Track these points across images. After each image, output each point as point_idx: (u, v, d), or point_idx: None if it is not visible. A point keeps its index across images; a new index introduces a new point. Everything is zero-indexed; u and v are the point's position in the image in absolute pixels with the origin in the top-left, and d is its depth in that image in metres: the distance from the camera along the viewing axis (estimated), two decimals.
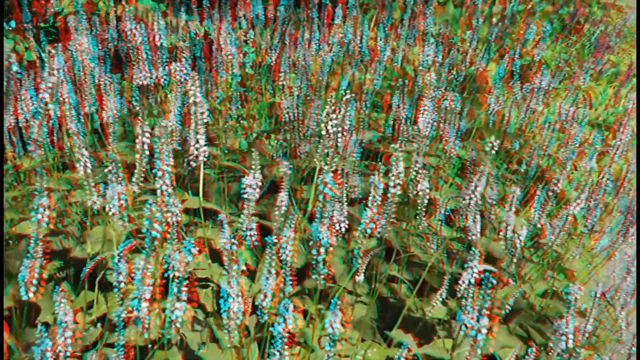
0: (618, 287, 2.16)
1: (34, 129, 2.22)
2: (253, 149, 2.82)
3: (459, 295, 1.33)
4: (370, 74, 2.91)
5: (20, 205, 2.49)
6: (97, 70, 2.16)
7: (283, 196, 1.80)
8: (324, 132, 1.60)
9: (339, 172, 1.59)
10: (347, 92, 1.51)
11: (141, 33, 1.95)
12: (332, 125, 1.57)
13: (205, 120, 1.70)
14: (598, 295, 1.84)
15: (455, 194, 2.10)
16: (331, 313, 1.19)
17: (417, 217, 2.66)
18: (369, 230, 1.56)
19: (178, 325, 1.31)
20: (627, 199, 2.55)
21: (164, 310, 2.00)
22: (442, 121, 2.42)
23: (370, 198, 1.51)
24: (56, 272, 2.28)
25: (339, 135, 1.58)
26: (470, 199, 1.79)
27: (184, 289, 1.26)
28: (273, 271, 1.33)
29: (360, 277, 2.03)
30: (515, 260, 2.02)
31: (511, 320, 2.30)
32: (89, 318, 1.96)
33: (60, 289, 1.62)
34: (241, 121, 2.99)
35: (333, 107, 1.53)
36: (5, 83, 2.34)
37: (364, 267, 2.01)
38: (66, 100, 2.00)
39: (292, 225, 1.42)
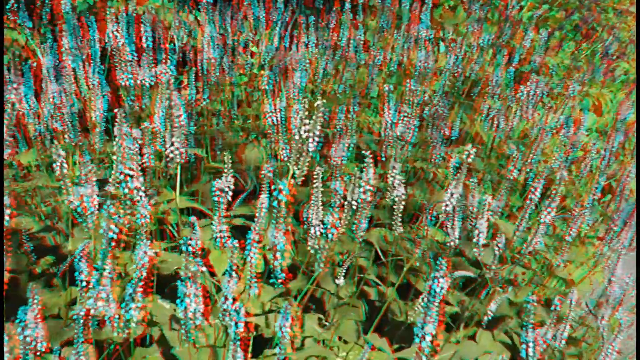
0: (602, 294, 2.16)
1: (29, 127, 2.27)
2: (249, 150, 2.87)
3: (420, 304, 1.34)
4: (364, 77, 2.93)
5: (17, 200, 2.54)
6: (85, 70, 2.19)
7: (263, 198, 1.81)
8: (297, 137, 1.61)
9: (315, 176, 1.61)
10: (319, 97, 1.53)
11: (123, 35, 1.98)
12: (304, 130, 1.59)
13: (182, 123, 1.72)
14: (574, 302, 1.84)
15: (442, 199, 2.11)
16: (281, 316, 1.21)
17: (409, 222, 2.69)
18: (330, 235, 1.57)
19: (133, 325, 1.34)
20: (627, 205, 2.55)
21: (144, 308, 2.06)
22: (430, 126, 2.44)
23: (331, 203, 1.53)
24: (48, 268, 2.32)
25: (310, 140, 1.60)
26: (446, 205, 1.80)
27: (139, 289, 1.28)
28: (234, 274, 1.35)
29: (340, 280, 2.04)
30: (493, 266, 2.03)
31: (496, 327, 2.30)
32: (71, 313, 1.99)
33: (33, 285, 1.67)
34: (240, 122, 3.01)
35: (306, 112, 1.55)
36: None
37: (344, 271, 2.03)
38: (52, 99, 2.03)
39: (257, 229, 1.44)
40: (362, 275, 2.30)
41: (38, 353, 1.67)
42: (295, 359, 1.92)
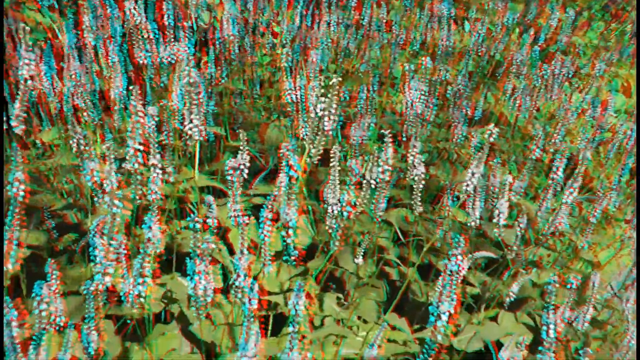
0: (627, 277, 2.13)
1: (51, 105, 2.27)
2: (270, 129, 2.86)
3: (438, 284, 1.32)
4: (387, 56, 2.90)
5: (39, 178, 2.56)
6: (106, 48, 2.19)
7: (282, 177, 1.81)
8: (312, 115, 1.60)
9: (332, 154, 1.59)
10: (335, 76, 1.50)
11: (140, 12, 1.97)
12: (320, 109, 1.57)
13: (200, 101, 1.71)
14: (596, 284, 1.81)
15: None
16: (295, 294, 1.20)
17: (432, 203, 2.67)
18: (345, 214, 1.55)
19: (142, 300, 1.33)
20: None
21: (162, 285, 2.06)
22: (452, 106, 2.41)
23: (347, 182, 1.51)
24: (70, 245, 2.33)
25: (326, 118, 1.58)
26: (467, 185, 1.77)
27: (146, 264, 1.28)
28: (245, 251, 1.34)
29: (359, 260, 2.03)
30: (516, 247, 2.00)
31: (519, 308, 2.28)
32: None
33: (52, 261, 1.68)
34: (262, 102, 3.00)
35: (322, 90, 1.54)
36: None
37: (363, 250, 2.02)
38: (73, 76, 2.03)
39: (270, 206, 1.43)
40: (382, 255, 2.28)
41: (57, 327, 1.69)
42: (313, 337, 1.91)
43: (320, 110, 1.57)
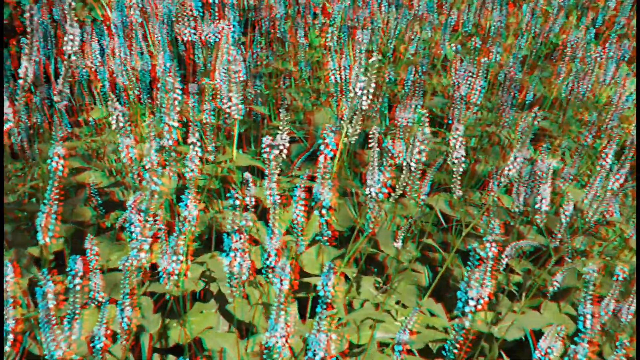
0: None
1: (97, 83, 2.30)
2: (318, 111, 2.85)
3: (468, 269, 1.28)
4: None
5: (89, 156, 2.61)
6: (152, 26, 2.21)
7: (322, 158, 1.79)
8: (351, 95, 1.57)
9: (371, 135, 1.57)
10: (373, 54, 1.48)
11: None
12: (359, 88, 1.55)
13: (241, 79, 1.70)
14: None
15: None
16: (324, 275, 1.18)
17: (479, 188, 2.62)
18: (380, 195, 1.53)
19: (175, 278, 1.34)
20: None
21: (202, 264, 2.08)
22: (502, 89, 2.35)
23: (384, 162, 1.48)
24: (115, 222, 2.37)
25: (364, 97, 1.55)
26: (510, 169, 1.73)
27: (181, 242, 1.28)
28: (277, 231, 1.33)
29: (398, 244, 2.01)
30: (560, 235, 1.95)
31: (563, 299, 2.22)
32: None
33: (91, 236, 1.70)
34: (310, 84, 2.99)
35: (362, 69, 1.51)
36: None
37: (403, 234, 1.99)
38: (118, 54, 2.05)
39: (302, 186, 1.42)
40: (425, 240, 2.25)
41: (95, 303, 1.71)
42: (348, 319, 1.90)
43: (359, 89, 1.55)
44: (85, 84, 2.69)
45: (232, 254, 1.32)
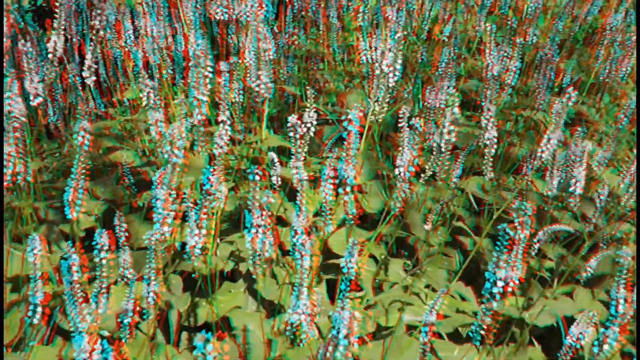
0: None
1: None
2: (350, 93, 2.83)
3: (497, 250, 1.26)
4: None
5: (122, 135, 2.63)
6: (183, 4, 2.20)
7: (346, 136, 1.78)
8: (377, 72, 1.55)
9: (401, 115, 1.55)
10: (398, 30, 1.46)
11: None
12: (386, 65, 1.53)
13: (270, 58, 1.69)
14: None
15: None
16: (347, 252, 1.17)
17: (514, 173, 2.58)
18: (407, 174, 1.51)
19: (197, 252, 1.34)
20: None
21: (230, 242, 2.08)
22: (537, 71, 2.30)
23: (406, 141, 1.46)
24: (147, 201, 2.38)
25: (391, 75, 1.53)
26: (543, 152, 1.70)
27: (203, 216, 1.28)
28: (304, 209, 1.32)
29: (427, 226, 1.99)
30: (595, 221, 1.91)
31: (597, 285, 2.18)
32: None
33: (120, 213, 1.71)
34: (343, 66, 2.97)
35: (389, 46, 1.49)
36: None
37: (434, 217, 1.97)
38: (150, 32, 2.06)
39: (331, 165, 1.41)
40: (456, 223, 2.23)
41: (123, 279, 1.72)
42: (376, 301, 1.89)
43: (386, 65, 1.53)
44: (119, 64, 2.71)
45: (253, 230, 1.32)
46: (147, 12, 2.09)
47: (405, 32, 2.47)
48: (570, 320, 2.01)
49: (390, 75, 1.54)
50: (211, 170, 1.20)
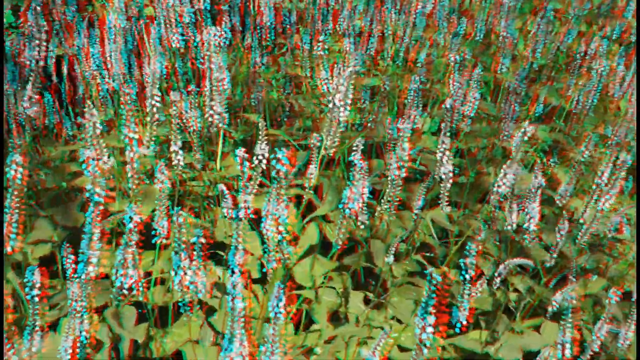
0: None
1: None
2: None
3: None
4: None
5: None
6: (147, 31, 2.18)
7: (312, 168, 1.76)
8: (330, 105, 1.53)
9: (354, 148, 1.52)
10: (353, 63, 1.43)
11: None
12: (338, 99, 1.50)
13: (224, 88, 1.67)
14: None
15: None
16: (274, 294, 1.14)
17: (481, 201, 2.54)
18: (347, 211, 1.47)
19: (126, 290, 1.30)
20: None
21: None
22: (504, 102, 2.27)
23: (356, 177, 1.43)
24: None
25: (342, 109, 1.50)
26: (499, 186, 1.67)
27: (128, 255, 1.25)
28: (240, 247, 1.29)
29: (389, 259, 1.95)
30: (554, 254, 1.88)
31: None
32: None
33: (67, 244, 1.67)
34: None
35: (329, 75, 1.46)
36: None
37: (393, 250, 1.94)
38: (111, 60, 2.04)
39: (275, 199, 1.37)
40: (426, 254, 2.19)
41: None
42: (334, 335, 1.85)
43: (339, 100, 1.50)
44: (88, 87, 2.68)
45: (180, 273, 1.29)
46: (109, 39, 2.07)
47: (359, 67, 2.45)
48: (536, 355, 1.98)
49: (341, 110, 1.51)
50: (134, 209, 1.17)
